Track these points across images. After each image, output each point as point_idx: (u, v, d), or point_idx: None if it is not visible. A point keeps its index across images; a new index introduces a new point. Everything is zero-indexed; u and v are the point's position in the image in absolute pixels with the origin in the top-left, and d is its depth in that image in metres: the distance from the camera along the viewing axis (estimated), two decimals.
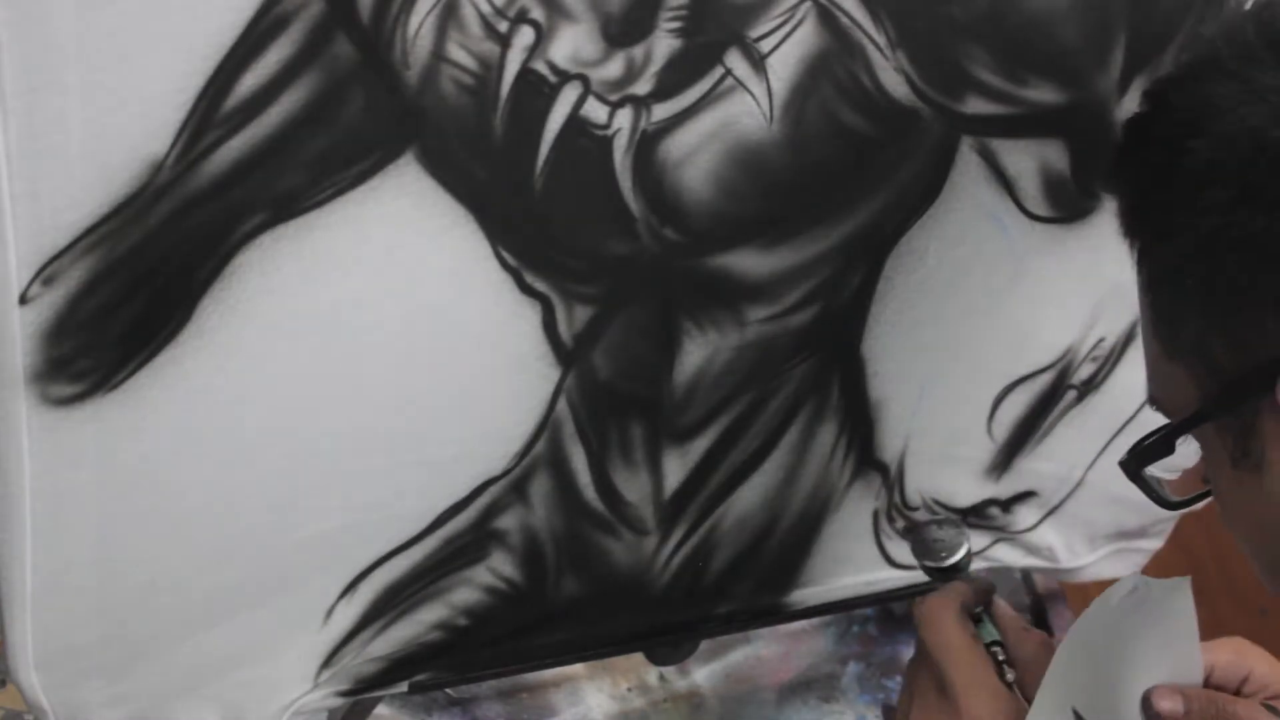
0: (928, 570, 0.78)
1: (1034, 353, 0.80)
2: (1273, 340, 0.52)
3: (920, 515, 0.85)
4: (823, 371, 0.75)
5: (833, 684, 1.00)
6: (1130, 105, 0.71)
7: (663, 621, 0.83)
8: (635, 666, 0.98)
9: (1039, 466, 0.86)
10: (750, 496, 0.79)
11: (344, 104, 0.59)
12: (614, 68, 0.62)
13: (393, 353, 0.66)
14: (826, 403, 0.77)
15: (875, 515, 0.84)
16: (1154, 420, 0.73)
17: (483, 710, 0.95)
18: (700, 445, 0.75)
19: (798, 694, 0.99)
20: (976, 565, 0.89)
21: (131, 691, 0.72)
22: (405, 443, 0.69)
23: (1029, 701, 0.68)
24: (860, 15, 0.65)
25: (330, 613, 0.74)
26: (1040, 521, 0.88)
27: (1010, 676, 0.71)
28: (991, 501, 0.87)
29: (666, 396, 0.73)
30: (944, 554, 0.77)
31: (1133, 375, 0.82)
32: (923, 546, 0.77)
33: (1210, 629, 0.83)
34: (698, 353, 0.72)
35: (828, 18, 0.64)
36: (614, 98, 0.63)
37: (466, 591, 0.76)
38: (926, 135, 0.69)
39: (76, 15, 0.54)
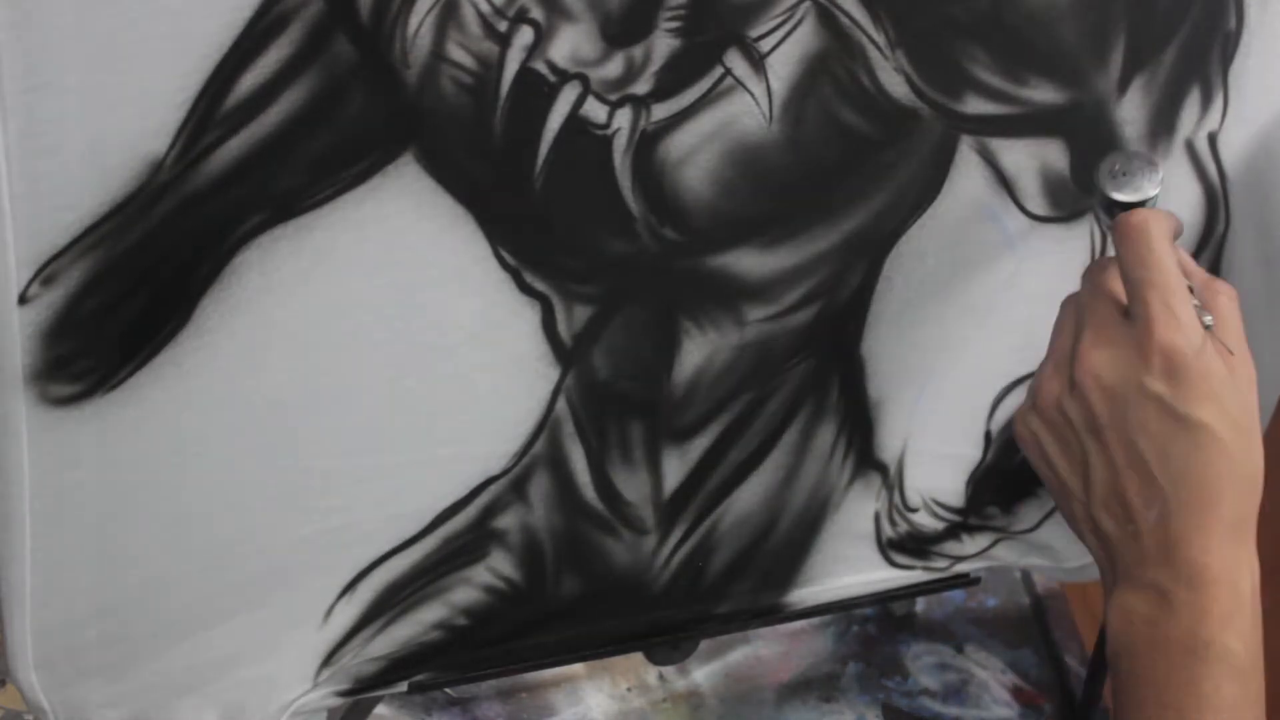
0: (1110, 206, 0.67)
1: (1033, 352, 0.80)
2: None
3: (920, 518, 0.85)
4: (822, 371, 0.75)
5: (833, 684, 0.99)
6: (1130, 105, 0.71)
7: (662, 621, 0.83)
8: (635, 666, 0.98)
9: None
10: (750, 496, 0.79)
11: (343, 104, 0.59)
12: (614, 67, 0.62)
13: (392, 352, 0.66)
14: (826, 402, 0.77)
15: (876, 516, 0.84)
16: None
17: (483, 710, 0.95)
18: (700, 445, 0.75)
19: (797, 694, 0.99)
20: (975, 566, 0.89)
21: (131, 691, 0.72)
22: (404, 442, 0.69)
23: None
24: (860, 15, 0.65)
25: (330, 612, 0.74)
26: (1041, 522, 0.88)
27: (1208, 320, 0.63)
28: (992, 501, 0.87)
29: (666, 396, 0.73)
30: (1131, 187, 0.65)
31: None
32: (1108, 178, 0.65)
33: None
34: (697, 352, 0.72)
35: (827, 17, 0.64)
36: (614, 97, 0.63)
37: (466, 591, 0.76)
38: (926, 135, 0.69)
39: (76, 15, 0.54)
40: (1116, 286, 0.65)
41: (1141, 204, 0.66)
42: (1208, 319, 0.63)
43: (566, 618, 0.80)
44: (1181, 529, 0.61)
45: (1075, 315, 0.66)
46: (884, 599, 0.89)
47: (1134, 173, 0.66)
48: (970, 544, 0.88)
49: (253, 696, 0.75)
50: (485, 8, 0.59)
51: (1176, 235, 0.66)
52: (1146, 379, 0.61)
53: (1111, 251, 0.67)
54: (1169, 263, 0.63)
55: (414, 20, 0.59)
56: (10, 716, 0.89)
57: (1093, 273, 0.67)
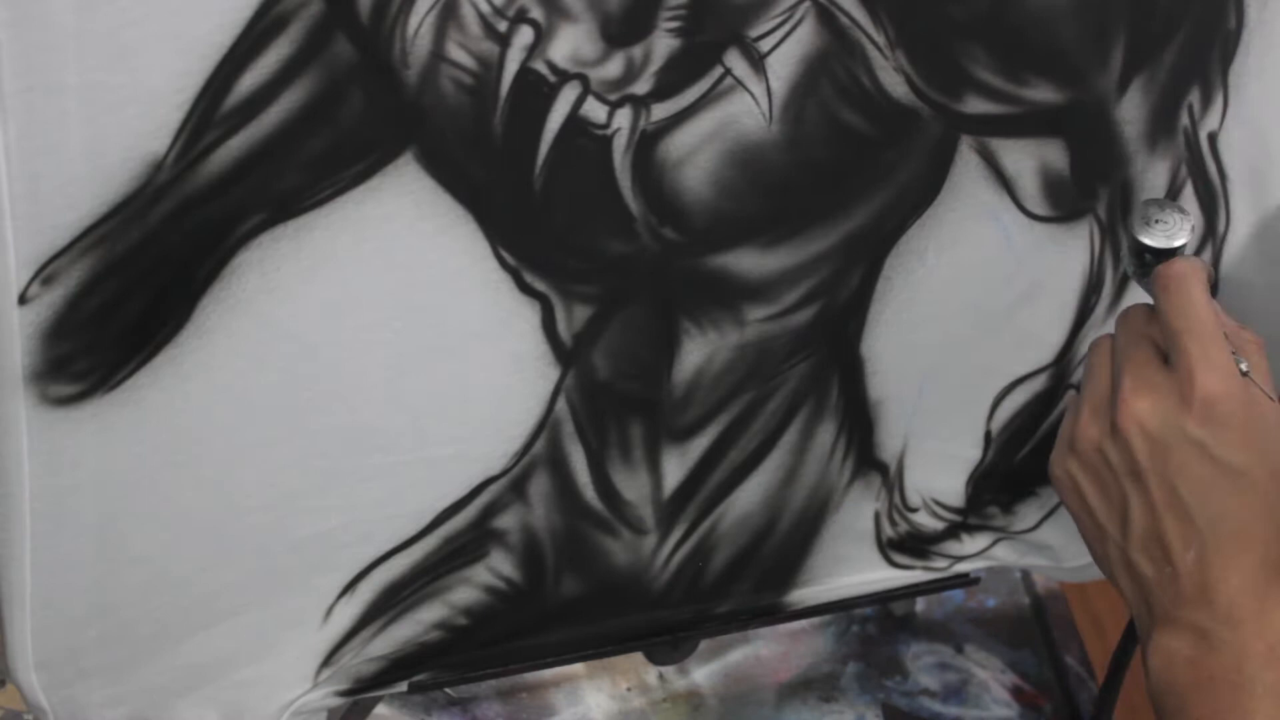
0: (1140, 251, 0.69)
1: (1033, 352, 0.80)
2: None
3: (920, 517, 0.85)
4: (822, 371, 0.75)
5: (832, 684, 1.00)
6: (1130, 105, 0.71)
7: (662, 621, 0.83)
8: (635, 666, 0.98)
9: (1039, 466, 0.86)
10: (749, 496, 0.79)
11: (343, 104, 0.59)
12: (613, 67, 0.62)
13: (391, 352, 0.66)
14: (826, 402, 0.77)
15: (876, 516, 0.84)
16: None
17: (483, 710, 0.95)
18: (699, 445, 0.75)
19: (797, 694, 0.99)
20: (975, 566, 0.89)
21: (131, 691, 0.72)
22: (404, 442, 0.69)
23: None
24: (860, 15, 0.65)
25: (330, 612, 0.74)
26: (1041, 522, 0.88)
27: (1244, 367, 0.64)
28: (992, 501, 0.87)
29: (666, 396, 0.73)
30: (1165, 234, 0.68)
31: None
32: (1142, 224, 0.68)
33: None
34: (697, 352, 0.72)
35: (827, 17, 0.64)
36: (613, 97, 0.63)
37: (466, 591, 0.76)
38: (926, 135, 0.69)
39: (76, 15, 0.54)
40: (1153, 333, 0.66)
41: (1174, 251, 0.68)
42: (1244, 365, 0.64)
43: (566, 618, 0.80)
44: (1220, 570, 0.64)
45: (1110, 360, 0.68)
46: (884, 599, 0.89)
47: (1168, 220, 0.69)
48: (970, 544, 0.88)
49: (253, 696, 0.75)
50: (485, 8, 0.59)
51: (1209, 283, 0.67)
52: (1189, 425, 0.63)
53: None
54: (1208, 312, 0.64)
55: (414, 20, 0.59)
56: (10, 716, 0.89)
57: (1128, 320, 0.69)
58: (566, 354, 0.69)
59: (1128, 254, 0.71)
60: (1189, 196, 0.76)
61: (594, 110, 0.63)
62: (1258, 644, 0.63)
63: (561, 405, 0.71)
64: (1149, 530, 0.65)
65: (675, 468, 0.76)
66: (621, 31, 0.61)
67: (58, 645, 0.68)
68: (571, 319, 0.69)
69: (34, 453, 0.62)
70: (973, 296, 0.76)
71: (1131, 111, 0.72)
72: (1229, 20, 0.72)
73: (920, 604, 1.04)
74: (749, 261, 0.70)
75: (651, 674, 0.99)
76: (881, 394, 0.78)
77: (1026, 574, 1.07)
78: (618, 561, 0.78)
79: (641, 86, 0.63)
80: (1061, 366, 0.81)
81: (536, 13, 0.60)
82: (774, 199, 0.68)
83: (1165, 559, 0.65)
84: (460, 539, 0.74)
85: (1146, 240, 0.69)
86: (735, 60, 0.64)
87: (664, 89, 0.63)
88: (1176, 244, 0.68)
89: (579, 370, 0.70)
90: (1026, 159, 0.72)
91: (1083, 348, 0.80)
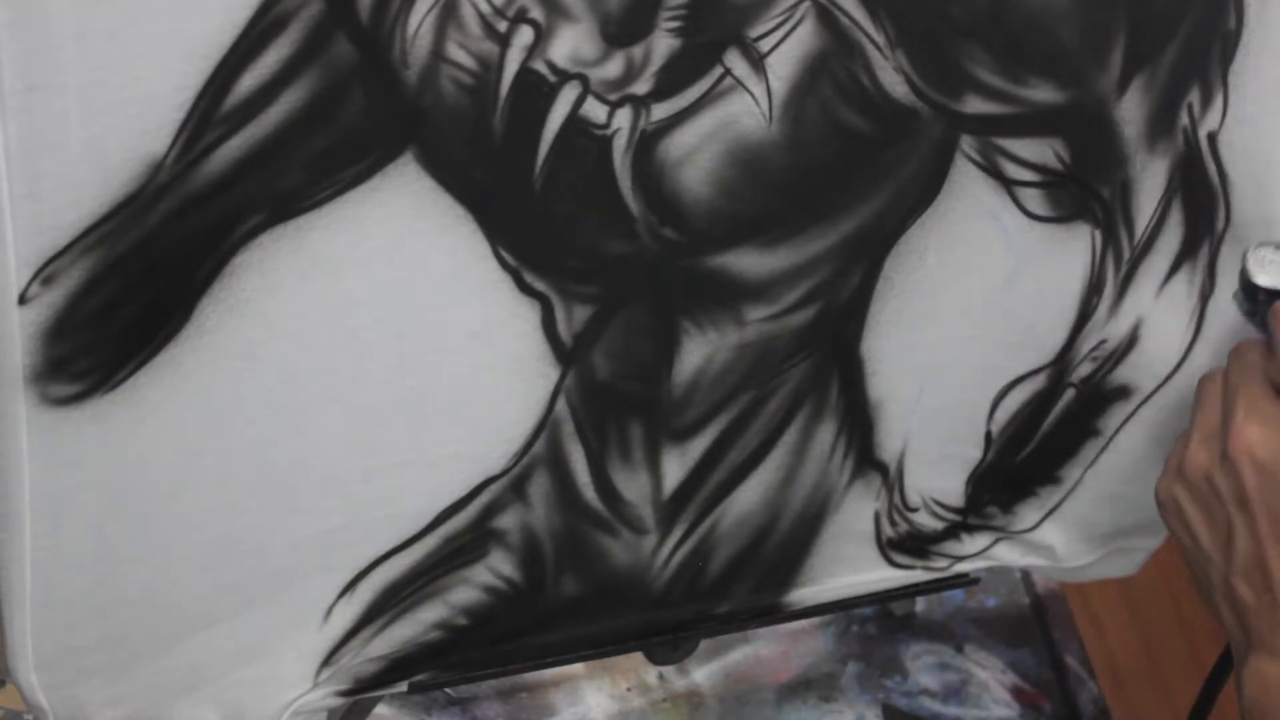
0: (1253, 290, 0.72)
1: (1033, 352, 0.80)
2: None
3: (920, 517, 0.85)
4: (822, 371, 0.75)
5: (832, 683, 1.00)
6: (1130, 105, 0.71)
7: (662, 621, 0.83)
8: (634, 666, 0.98)
9: (1039, 465, 0.86)
10: (749, 496, 0.79)
11: (343, 104, 0.59)
12: (613, 67, 0.62)
13: (391, 352, 0.66)
14: (825, 402, 0.77)
15: (876, 516, 0.84)
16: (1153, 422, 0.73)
17: (483, 710, 0.95)
18: (699, 445, 0.75)
19: (797, 693, 0.99)
20: (975, 566, 0.89)
21: (131, 691, 0.72)
22: (404, 442, 0.69)
23: None
24: (860, 15, 0.65)
25: (330, 612, 0.74)
26: (1041, 521, 0.88)
27: None
28: (991, 501, 0.87)
29: (666, 396, 0.73)
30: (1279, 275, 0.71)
31: (1133, 375, 0.82)
32: (1257, 266, 0.71)
33: (1210, 627, 0.83)
34: (697, 352, 0.72)
35: (827, 17, 0.64)
36: (613, 97, 0.63)
37: (466, 591, 0.76)
38: (926, 135, 0.69)
39: (76, 15, 0.54)
40: (1269, 369, 0.68)
41: None
42: None
43: (566, 618, 0.80)
44: None
45: (1223, 392, 0.69)
46: (884, 599, 0.89)
47: None
48: (970, 544, 0.88)
49: (253, 696, 0.75)
50: (485, 8, 0.59)
51: None
52: None
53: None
54: None
55: (414, 20, 0.59)
56: (10, 716, 0.89)
57: (1242, 355, 0.70)
58: (566, 354, 0.70)
59: (1240, 294, 0.73)
60: (1188, 196, 0.76)
61: (594, 110, 0.63)
62: None
63: (561, 405, 0.71)
64: (1252, 558, 0.66)
65: (675, 468, 0.76)
66: (621, 31, 0.61)
67: (58, 645, 0.68)
68: (571, 319, 0.69)
69: (34, 453, 0.62)
70: (973, 297, 0.76)
71: (1131, 111, 0.72)
72: (1229, 20, 0.72)
73: (920, 604, 1.04)
74: (749, 261, 0.70)
75: (651, 674, 0.99)
76: (881, 394, 0.78)
77: (1026, 574, 1.07)
78: (618, 561, 0.78)
79: (641, 86, 0.63)
80: (1061, 366, 0.81)
81: (536, 13, 0.60)
82: (774, 199, 0.68)
83: (1266, 587, 0.66)
84: (460, 539, 0.74)
85: (1262, 282, 0.71)
86: (735, 60, 0.64)
87: (664, 89, 0.63)
88: None
89: (579, 370, 0.70)
90: (1026, 159, 0.72)
91: (1084, 347, 0.80)
